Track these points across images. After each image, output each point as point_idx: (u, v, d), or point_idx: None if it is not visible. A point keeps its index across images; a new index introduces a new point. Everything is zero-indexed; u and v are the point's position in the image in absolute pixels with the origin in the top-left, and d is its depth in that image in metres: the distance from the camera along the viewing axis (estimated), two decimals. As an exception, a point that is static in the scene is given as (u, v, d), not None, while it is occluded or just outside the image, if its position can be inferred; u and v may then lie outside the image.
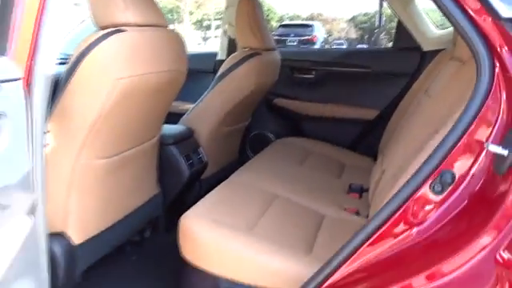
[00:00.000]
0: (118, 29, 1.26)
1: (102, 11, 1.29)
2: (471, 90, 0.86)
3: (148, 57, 1.36)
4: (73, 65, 1.22)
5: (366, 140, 2.66)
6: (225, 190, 1.63)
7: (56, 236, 1.33)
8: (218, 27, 15.56)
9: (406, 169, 1.09)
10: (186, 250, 1.34)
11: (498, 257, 0.76)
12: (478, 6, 0.80)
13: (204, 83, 2.52)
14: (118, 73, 1.23)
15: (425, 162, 0.88)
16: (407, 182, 0.90)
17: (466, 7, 0.82)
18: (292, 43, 12.51)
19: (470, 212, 0.83)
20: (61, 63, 1.39)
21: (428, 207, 0.87)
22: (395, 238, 0.91)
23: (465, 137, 0.83)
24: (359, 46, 15.04)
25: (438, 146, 0.87)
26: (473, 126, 0.83)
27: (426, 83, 1.86)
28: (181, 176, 1.96)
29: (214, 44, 14.35)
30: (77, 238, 1.39)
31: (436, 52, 2.16)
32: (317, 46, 12.26)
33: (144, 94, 1.40)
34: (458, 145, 0.84)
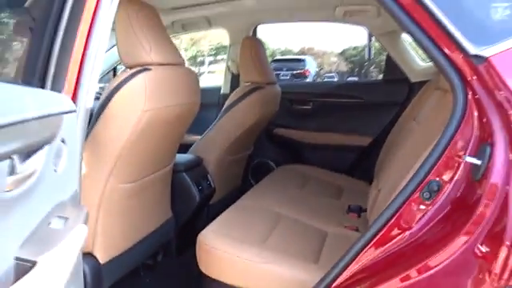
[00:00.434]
0: (144, 68, 1.41)
1: (130, 53, 1.45)
2: None
3: (170, 91, 1.50)
4: (106, 99, 1.36)
5: (362, 165, 2.76)
6: (235, 212, 1.74)
7: (85, 255, 1.41)
8: (210, 63, 15.86)
9: (399, 184, 1.20)
10: (203, 263, 1.44)
11: (476, 250, 0.89)
12: (451, 45, 0.96)
13: (209, 115, 2.66)
14: (144, 105, 1.37)
15: (415, 174, 1.02)
16: (400, 191, 1.04)
17: (443, 46, 0.98)
18: (285, 77, 12.63)
19: (453, 214, 0.97)
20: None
21: (418, 212, 1.01)
22: (391, 240, 1.04)
23: (447, 151, 0.98)
24: (350, 78, 15.33)
25: (425, 159, 1.01)
26: (453, 142, 0.97)
27: (415, 111, 1.97)
28: (192, 201, 2.05)
29: (209, 79, 14.55)
30: (102, 257, 1.47)
31: (423, 83, 2.25)
32: (309, 80, 12.44)
33: (165, 124, 1.54)
34: (442, 158, 0.98)
